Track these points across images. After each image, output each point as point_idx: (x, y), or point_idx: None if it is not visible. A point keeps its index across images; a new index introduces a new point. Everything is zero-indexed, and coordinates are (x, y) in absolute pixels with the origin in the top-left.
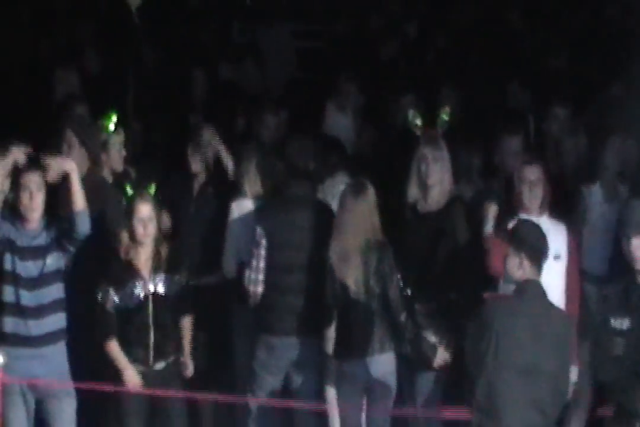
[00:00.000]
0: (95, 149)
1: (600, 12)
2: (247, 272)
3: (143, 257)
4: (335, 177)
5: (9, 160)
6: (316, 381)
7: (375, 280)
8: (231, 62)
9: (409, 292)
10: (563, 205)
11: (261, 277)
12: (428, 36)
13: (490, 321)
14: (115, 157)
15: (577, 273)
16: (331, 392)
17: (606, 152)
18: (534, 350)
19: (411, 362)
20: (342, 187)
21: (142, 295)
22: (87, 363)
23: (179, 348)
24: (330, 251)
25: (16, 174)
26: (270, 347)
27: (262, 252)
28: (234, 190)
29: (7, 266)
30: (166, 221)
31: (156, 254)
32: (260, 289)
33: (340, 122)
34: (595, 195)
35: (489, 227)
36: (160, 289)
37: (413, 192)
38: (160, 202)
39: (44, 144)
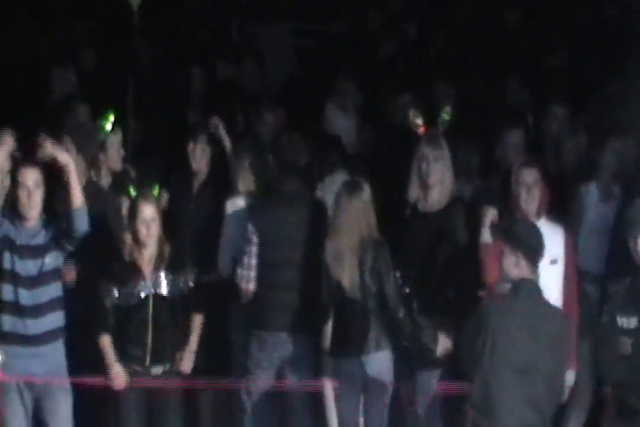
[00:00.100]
0: (91, 156)
1: (599, 12)
2: (238, 269)
3: (146, 257)
4: (335, 175)
5: (3, 149)
6: (308, 377)
7: (371, 278)
8: (230, 60)
9: (407, 290)
10: (562, 206)
11: (253, 274)
12: (427, 35)
13: (487, 320)
14: (114, 156)
15: (575, 275)
16: (329, 390)
17: (605, 153)
18: (530, 349)
19: (411, 360)
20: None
21: (142, 294)
22: (85, 360)
23: (177, 352)
24: (326, 250)
25: (14, 171)
26: (262, 343)
27: (253, 249)
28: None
29: (6, 264)
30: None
31: (159, 254)
32: (251, 285)
33: (341, 122)
34: (591, 194)
35: (485, 233)
36: (162, 289)
37: (414, 191)
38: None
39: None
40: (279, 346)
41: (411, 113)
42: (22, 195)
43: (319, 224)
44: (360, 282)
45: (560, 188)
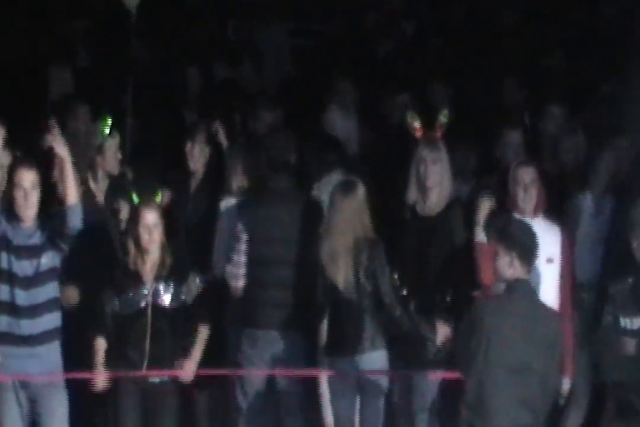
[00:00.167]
0: (89, 159)
1: (597, 11)
2: (227, 267)
3: (148, 265)
4: (332, 175)
5: None
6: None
7: (367, 278)
8: (227, 61)
9: (405, 292)
10: (559, 206)
11: (242, 271)
12: (425, 35)
13: (481, 320)
14: (111, 160)
15: (571, 275)
16: (325, 389)
17: (599, 163)
18: (524, 349)
19: (408, 361)
20: None
21: (142, 303)
22: (81, 361)
23: (178, 360)
24: (321, 250)
25: (11, 172)
26: (253, 341)
27: (243, 247)
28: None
29: (3, 264)
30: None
31: (161, 262)
32: (241, 283)
33: (342, 122)
34: (586, 205)
35: (479, 232)
36: (162, 298)
37: (412, 194)
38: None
39: (39, 142)
40: (270, 344)
41: (409, 116)
42: (19, 196)
43: (310, 222)
44: (356, 281)
45: (558, 188)
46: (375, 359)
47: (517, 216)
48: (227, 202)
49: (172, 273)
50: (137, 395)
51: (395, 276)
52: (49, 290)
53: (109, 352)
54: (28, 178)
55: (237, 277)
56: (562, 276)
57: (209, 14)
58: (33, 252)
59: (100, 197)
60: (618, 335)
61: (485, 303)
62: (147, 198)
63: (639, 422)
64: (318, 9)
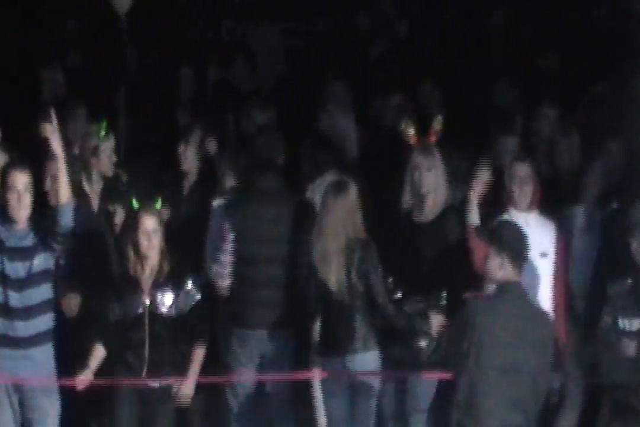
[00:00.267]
0: (84, 160)
1: (589, 12)
2: (213, 267)
3: (147, 271)
4: (326, 176)
5: None
6: (288, 373)
7: (359, 278)
8: (220, 61)
9: (399, 295)
10: (554, 206)
11: (227, 270)
12: (418, 36)
13: (472, 321)
14: (106, 162)
15: (564, 272)
16: (317, 390)
17: (587, 176)
18: (515, 350)
19: (401, 362)
20: None
21: (140, 309)
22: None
23: (175, 369)
24: (313, 251)
25: (4, 174)
26: (242, 340)
27: (229, 246)
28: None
29: None
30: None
31: (160, 269)
32: (226, 282)
33: (340, 123)
34: (578, 219)
35: (473, 215)
36: (160, 306)
37: (407, 200)
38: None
39: (32, 145)
40: (260, 343)
41: (403, 122)
42: (12, 198)
43: (299, 221)
44: (348, 282)
45: (552, 190)
46: (367, 360)
47: (512, 210)
48: (219, 203)
49: (170, 279)
50: (134, 401)
51: (390, 280)
52: (42, 291)
53: (108, 359)
54: (21, 180)
55: (223, 276)
56: (556, 272)
57: (202, 14)
58: (26, 253)
59: (94, 199)
60: (617, 336)
61: (477, 304)
62: (146, 203)
63: (637, 424)
64: (311, 9)
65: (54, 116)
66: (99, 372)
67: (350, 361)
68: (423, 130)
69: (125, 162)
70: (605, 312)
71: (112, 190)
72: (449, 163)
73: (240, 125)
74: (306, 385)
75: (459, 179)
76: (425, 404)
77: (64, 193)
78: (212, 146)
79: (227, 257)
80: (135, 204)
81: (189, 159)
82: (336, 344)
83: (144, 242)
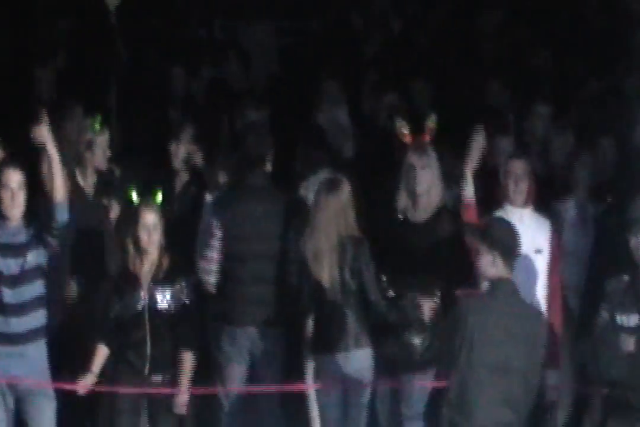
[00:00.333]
0: (79, 155)
1: (581, 11)
2: (200, 263)
3: (146, 267)
4: (319, 174)
5: None
6: (278, 371)
7: (351, 276)
8: (213, 60)
9: (392, 294)
10: (546, 201)
11: (214, 267)
12: (412, 34)
13: (464, 319)
14: (100, 156)
15: (559, 269)
16: (311, 387)
17: (577, 170)
18: (506, 348)
19: (394, 361)
20: None
21: (140, 306)
22: (72, 361)
23: (177, 363)
24: (305, 248)
25: None
26: (232, 338)
27: (216, 243)
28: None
29: None
30: None
31: (158, 265)
32: (212, 278)
33: (335, 122)
34: (569, 213)
35: (468, 189)
36: (159, 302)
37: (402, 199)
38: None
39: (26, 143)
40: (249, 340)
41: (398, 122)
42: (6, 196)
43: (287, 218)
44: (340, 280)
45: (547, 188)
46: (360, 357)
47: (507, 206)
48: (209, 199)
49: (169, 275)
50: (136, 408)
51: (383, 279)
52: (35, 288)
53: (109, 358)
54: (15, 178)
55: (209, 272)
56: (551, 270)
57: (194, 12)
58: (19, 250)
59: (89, 193)
60: (615, 332)
61: (469, 302)
62: (146, 198)
63: (635, 420)
64: (304, 8)
65: (46, 118)
66: (100, 374)
67: (343, 359)
68: (417, 129)
69: (118, 159)
70: (603, 309)
71: (106, 184)
72: (443, 163)
73: (234, 124)
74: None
75: (452, 179)
76: (420, 407)
77: (59, 192)
78: (198, 158)
79: (214, 254)
80: (134, 198)
81: (180, 157)
82: (329, 342)
83: (144, 237)
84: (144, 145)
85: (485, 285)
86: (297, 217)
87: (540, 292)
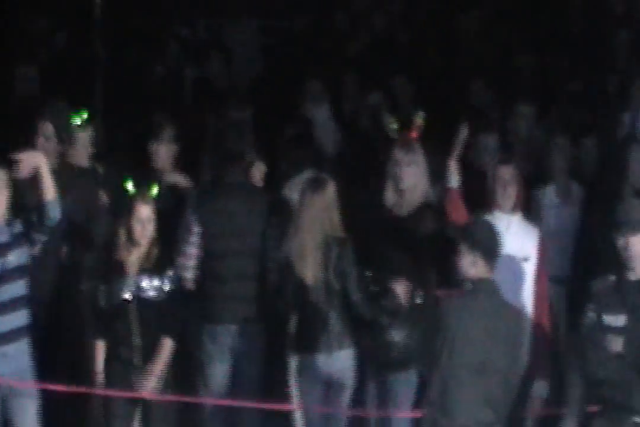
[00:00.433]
0: (68, 142)
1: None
2: (178, 259)
3: (134, 257)
4: (303, 174)
5: None
6: (258, 369)
7: (335, 276)
8: (196, 58)
9: (376, 290)
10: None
11: (192, 263)
12: (396, 33)
13: (445, 320)
14: (81, 152)
15: (545, 276)
16: (294, 387)
17: (554, 153)
18: (487, 348)
19: (376, 362)
20: None
21: (127, 295)
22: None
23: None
24: (289, 247)
25: None
26: (213, 336)
27: (194, 239)
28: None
29: None
30: None
31: (147, 255)
32: (190, 274)
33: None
34: (548, 197)
35: (452, 179)
36: (146, 291)
37: (389, 196)
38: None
39: (11, 140)
40: (230, 338)
41: (385, 118)
42: None
43: (267, 215)
44: (324, 279)
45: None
46: (342, 358)
47: (496, 212)
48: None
49: (157, 265)
50: (129, 406)
51: (369, 274)
52: (16, 288)
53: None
54: None
55: (187, 268)
56: (538, 276)
57: (178, 11)
58: (0, 250)
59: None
60: (602, 332)
61: (450, 302)
62: (142, 191)
63: (623, 420)
64: (288, 7)
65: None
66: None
67: (326, 359)
68: (403, 126)
69: (102, 157)
70: (589, 309)
71: (88, 180)
72: (429, 159)
73: (217, 122)
74: (281, 383)
75: (434, 177)
76: (407, 404)
77: (49, 191)
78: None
79: (192, 250)
80: (130, 189)
81: (161, 156)
82: (311, 342)
83: (137, 229)
84: (126, 144)
85: (466, 285)
86: (279, 215)
87: (527, 300)
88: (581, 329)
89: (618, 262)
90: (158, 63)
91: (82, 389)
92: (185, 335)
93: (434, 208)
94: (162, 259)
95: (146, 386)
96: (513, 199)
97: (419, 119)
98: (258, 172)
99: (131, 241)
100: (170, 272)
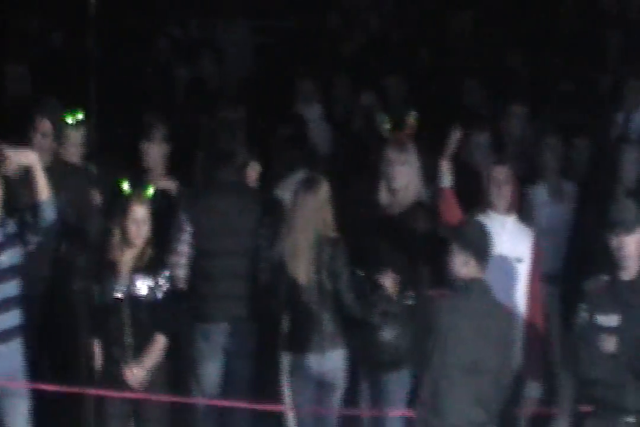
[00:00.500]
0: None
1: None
2: (171, 257)
3: (128, 257)
4: (296, 174)
5: None
6: (250, 368)
7: (328, 276)
8: (189, 58)
9: (369, 290)
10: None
11: (183, 261)
12: (389, 33)
13: (437, 319)
14: (73, 151)
15: (539, 278)
16: (286, 387)
17: (545, 152)
18: (478, 348)
19: (368, 361)
20: None
21: (119, 294)
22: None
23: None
24: (282, 246)
25: None
26: (205, 335)
27: (185, 237)
28: None
29: None
30: None
31: (141, 255)
32: (182, 272)
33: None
34: (540, 195)
35: (444, 178)
36: (139, 290)
37: (383, 195)
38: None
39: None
40: (221, 337)
41: (378, 119)
42: None
43: (259, 214)
44: (317, 279)
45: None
46: (334, 358)
47: (491, 213)
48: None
49: (151, 265)
50: (124, 406)
51: (362, 274)
52: (8, 288)
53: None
54: None
55: (179, 266)
56: (531, 278)
57: (171, 11)
58: None
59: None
60: (595, 332)
61: (441, 302)
62: (138, 192)
63: (615, 420)
64: (280, 6)
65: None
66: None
67: (317, 359)
68: (396, 126)
69: (95, 157)
70: (582, 309)
71: (80, 179)
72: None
73: (209, 122)
74: (273, 383)
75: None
76: (400, 404)
77: (43, 191)
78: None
79: (183, 248)
80: (126, 189)
81: (152, 156)
82: (303, 342)
83: (132, 230)
84: (119, 144)
85: (457, 285)
86: (272, 215)
87: (520, 300)
88: (574, 329)
89: (611, 262)
90: (150, 63)
91: (74, 389)
92: (177, 334)
93: (426, 208)
94: (156, 259)
95: (136, 380)
96: (508, 200)
97: (412, 119)
98: (254, 172)
99: (125, 241)
100: (163, 272)
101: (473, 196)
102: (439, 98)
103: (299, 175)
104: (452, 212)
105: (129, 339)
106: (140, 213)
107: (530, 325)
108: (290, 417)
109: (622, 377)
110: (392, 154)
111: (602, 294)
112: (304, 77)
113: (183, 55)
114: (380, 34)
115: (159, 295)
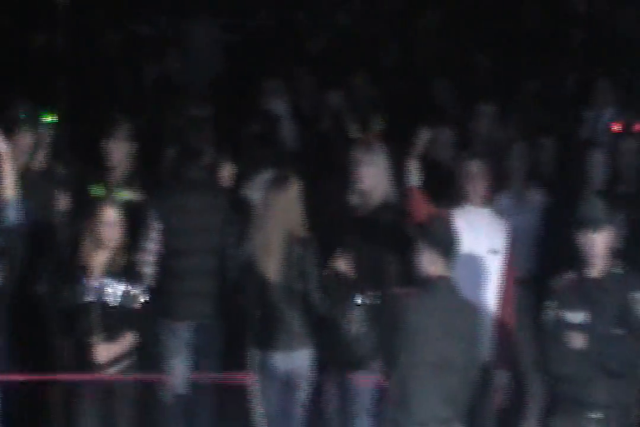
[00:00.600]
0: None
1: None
2: (139, 255)
3: (100, 260)
4: (264, 174)
5: None
6: (219, 364)
7: (297, 275)
8: (157, 56)
9: (342, 289)
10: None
11: (151, 258)
12: (356, 31)
13: (404, 318)
14: (40, 152)
15: (513, 271)
16: (255, 383)
17: (512, 159)
18: (445, 345)
19: (336, 361)
20: None
21: (89, 298)
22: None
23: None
24: (252, 245)
25: None
26: (172, 332)
27: (153, 234)
28: None
29: None
30: None
31: (114, 259)
32: (149, 270)
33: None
34: (505, 204)
35: (412, 177)
36: (110, 295)
37: (354, 196)
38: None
39: None
40: (188, 334)
41: (346, 118)
42: None
43: (222, 211)
44: (286, 278)
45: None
46: (301, 357)
47: (465, 206)
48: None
49: (123, 270)
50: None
51: (335, 272)
52: None
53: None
54: None
55: (146, 264)
56: (504, 270)
57: (139, 9)
58: None
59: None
60: (563, 329)
61: (407, 302)
62: (109, 194)
63: (582, 416)
64: (249, 4)
65: None
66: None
67: (284, 357)
68: (364, 126)
69: (61, 156)
70: (549, 306)
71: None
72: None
73: (176, 120)
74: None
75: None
76: (368, 403)
77: (10, 188)
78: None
79: (151, 245)
80: (98, 191)
81: (114, 154)
82: (271, 340)
83: (104, 233)
84: (85, 143)
85: (424, 283)
86: (240, 213)
87: (492, 293)
88: (542, 326)
89: (578, 260)
90: (118, 61)
91: (43, 376)
92: (146, 331)
93: (394, 208)
94: (129, 263)
95: (103, 364)
96: (481, 194)
97: (380, 119)
98: (226, 172)
99: (96, 243)
100: (136, 276)
101: (443, 194)
102: (406, 97)
103: (269, 173)
104: (420, 211)
105: (97, 343)
106: (111, 216)
107: (500, 320)
108: (258, 414)
109: (590, 373)
110: (359, 154)
111: (569, 292)
112: (271, 75)
113: (150, 53)
114: (348, 32)
115: (131, 299)
